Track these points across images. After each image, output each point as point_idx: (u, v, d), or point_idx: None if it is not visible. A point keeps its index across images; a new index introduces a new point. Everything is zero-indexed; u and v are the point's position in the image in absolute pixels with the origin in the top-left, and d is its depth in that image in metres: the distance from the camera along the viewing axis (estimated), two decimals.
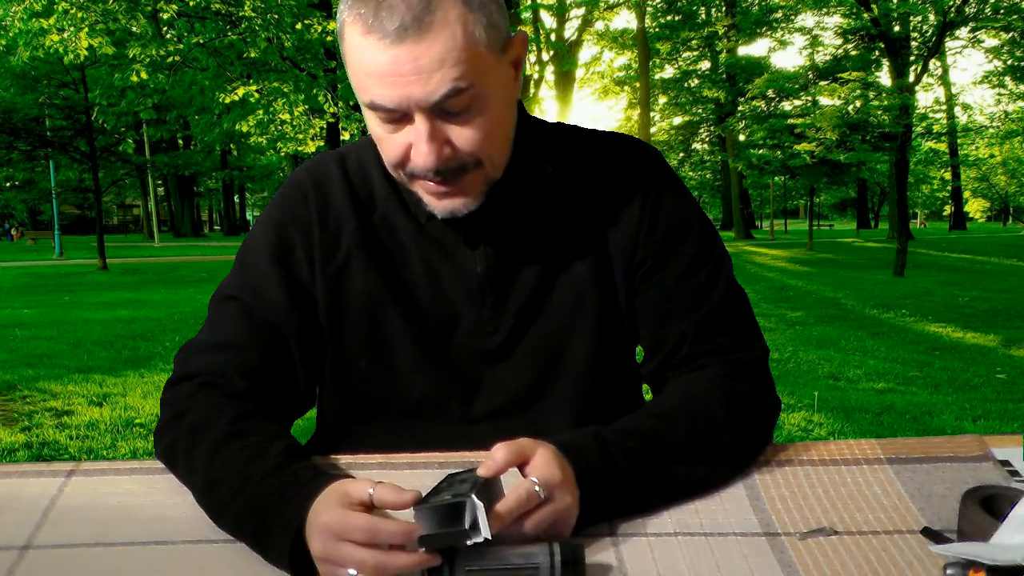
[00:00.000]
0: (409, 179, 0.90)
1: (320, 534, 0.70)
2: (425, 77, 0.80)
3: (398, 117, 0.84)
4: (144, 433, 4.05)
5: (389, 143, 0.87)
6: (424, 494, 0.71)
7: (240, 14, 10.99)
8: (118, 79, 12.49)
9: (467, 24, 0.81)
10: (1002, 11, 18.51)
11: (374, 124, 0.88)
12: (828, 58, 29.39)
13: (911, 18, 22.91)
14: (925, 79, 27.38)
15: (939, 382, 5.15)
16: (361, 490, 0.71)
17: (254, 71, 12.10)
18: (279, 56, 11.66)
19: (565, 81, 33.79)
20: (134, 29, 11.07)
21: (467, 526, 0.66)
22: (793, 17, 32.95)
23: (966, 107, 36.61)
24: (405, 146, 0.86)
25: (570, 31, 34.19)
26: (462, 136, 0.85)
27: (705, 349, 0.98)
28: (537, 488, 0.73)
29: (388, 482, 0.72)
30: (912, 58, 22.77)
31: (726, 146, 32.82)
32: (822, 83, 23.57)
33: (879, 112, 16.67)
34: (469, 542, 0.66)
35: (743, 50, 35.43)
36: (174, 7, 10.57)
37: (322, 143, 13.33)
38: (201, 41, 11.41)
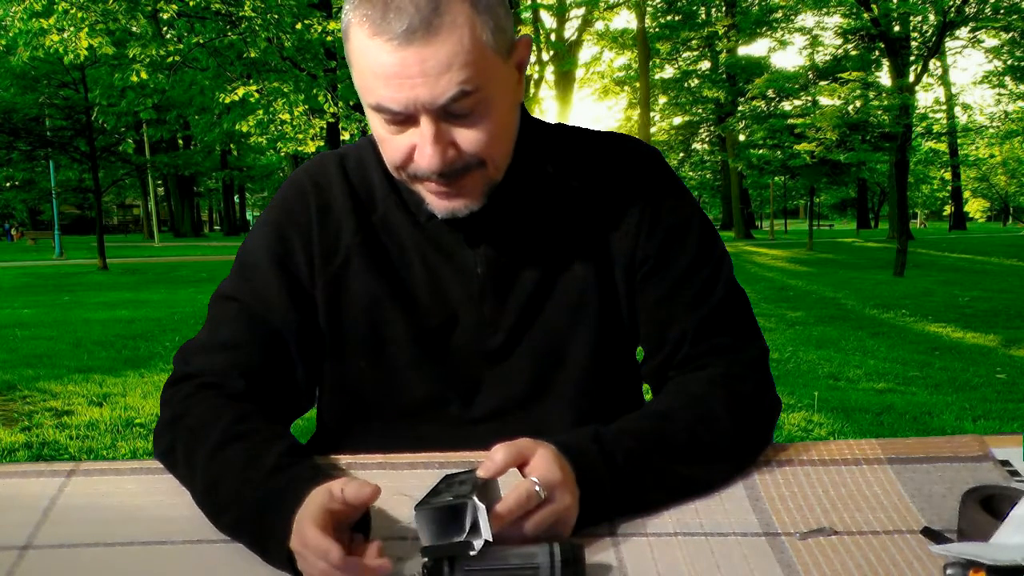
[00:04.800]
0: (411, 180, 0.90)
1: (297, 547, 0.72)
2: (432, 80, 0.80)
3: (403, 119, 0.84)
4: (144, 433, 4.05)
5: (392, 144, 0.87)
6: (424, 495, 0.72)
7: (240, 14, 10.99)
8: (118, 79, 12.49)
9: (474, 27, 0.80)
10: (1002, 11, 18.52)
11: (378, 125, 0.87)
12: (828, 58, 29.41)
13: (911, 18, 22.92)
14: (925, 79, 27.43)
15: (939, 382, 5.15)
16: (335, 490, 0.71)
17: (254, 71, 12.09)
18: (279, 56, 11.66)
19: (565, 81, 33.79)
20: (134, 29, 11.08)
21: (467, 529, 0.66)
22: (793, 17, 32.95)
23: (966, 107, 36.68)
24: (409, 147, 0.86)
25: (570, 31, 34.22)
26: (467, 138, 0.85)
27: (705, 349, 0.98)
28: (537, 488, 0.73)
29: (352, 479, 0.72)
30: (912, 58, 22.79)
31: (726, 146, 32.81)
32: (822, 83, 23.57)
33: (879, 112, 16.67)
34: (472, 552, 0.66)
35: (743, 50, 35.44)
36: (174, 7, 10.57)
37: (322, 143, 13.34)
38: (201, 41, 11.40)
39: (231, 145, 36.24)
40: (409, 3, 0.79)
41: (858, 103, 17.83)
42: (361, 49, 0.82)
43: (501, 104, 0.87)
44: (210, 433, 0.86)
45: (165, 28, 12.16)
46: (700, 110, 39.19)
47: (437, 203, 0.91)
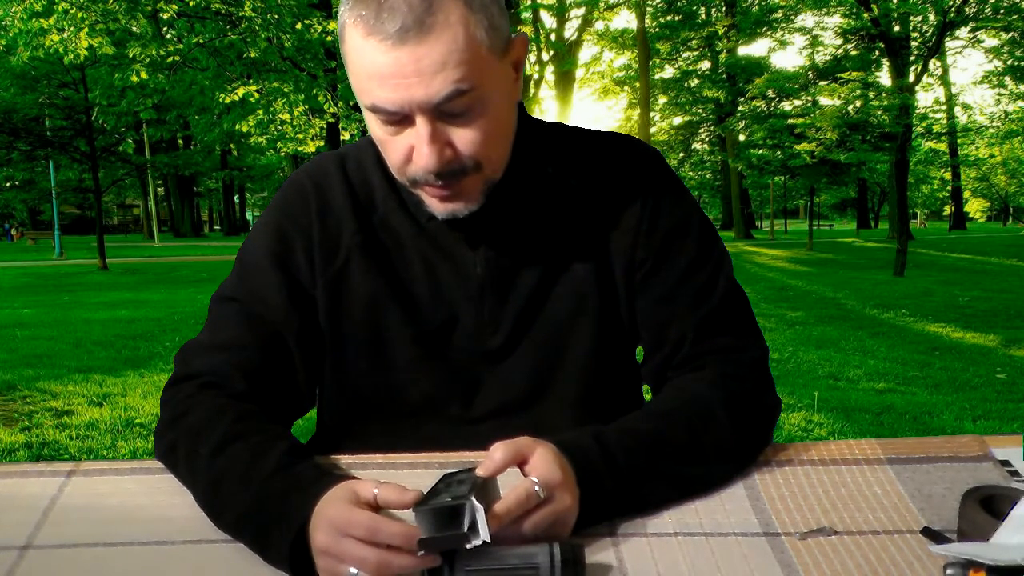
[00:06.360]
0: (411, 185, 0.91)
1: (324, 527, 0.70)
2: (427, 79, 0.80)
3: (399, 119, 0.84)
4: (144, 433, 4.05)
5: (391, 146, 0.87)
6: (424, 494, 0.71)
7: (240, 14, 11.00)
8: (118, 79, 12.50)
9: (468, 26, 0.80)
10: (1002, 11, 18.53)
11: (375, 127, 0.87)
12: (828, 58, 29.42)
13: (911, 18, 22.93)
14: (925, 79, 27.43)
15: (939, 382, 5.15)
16: (367, 489, 0.72)
17: (254, 71, 12.10)
18: (279, 56, 11.67)
19: (565, 81, 33.80)
20: (134, 29, 11.08)
21: (466, 528, 0.66)
22: (793, 17, 32.96)
23: (966, 107, 36.67)
24: (407, 149, 0.86)
25: (570, 31, 34.22)
26: (463, 138, 0.85)
27: (705, 349, 0.98)
28: (537, 488, 0.73)
29: (392, 482, 0.72)
30: (912, 58, 22.80)
31: (726, 146, 32.81)
32: (822, 83, 23.57)
33: (879, 112, 16.67)
34: (469, 546, 0.66)
35: (743, 50, 35.45)
36: (174, 7, 10.58)
37: (322, 143, 13.35)
38: (201, 41, 11.41)
39: (231, 145, 36.25)
40: (402, 3, 0.79)
41: (858, 103, 17.83)
42: (356, 50, 0.82)
43: (498, 102, 0.86)
44: (211, 433, 0.86)
45: (165, 28, 12.17)
46: (700, 110, 39.20)
47: (436, 205, 0.91)
